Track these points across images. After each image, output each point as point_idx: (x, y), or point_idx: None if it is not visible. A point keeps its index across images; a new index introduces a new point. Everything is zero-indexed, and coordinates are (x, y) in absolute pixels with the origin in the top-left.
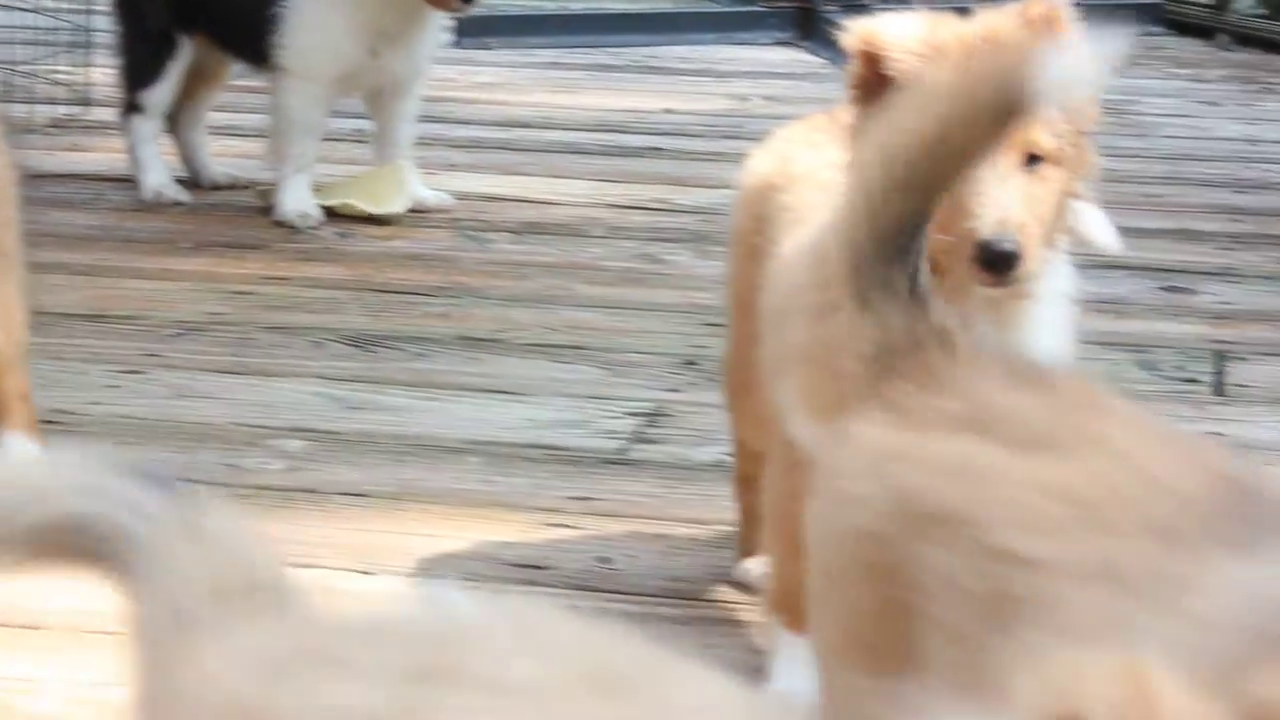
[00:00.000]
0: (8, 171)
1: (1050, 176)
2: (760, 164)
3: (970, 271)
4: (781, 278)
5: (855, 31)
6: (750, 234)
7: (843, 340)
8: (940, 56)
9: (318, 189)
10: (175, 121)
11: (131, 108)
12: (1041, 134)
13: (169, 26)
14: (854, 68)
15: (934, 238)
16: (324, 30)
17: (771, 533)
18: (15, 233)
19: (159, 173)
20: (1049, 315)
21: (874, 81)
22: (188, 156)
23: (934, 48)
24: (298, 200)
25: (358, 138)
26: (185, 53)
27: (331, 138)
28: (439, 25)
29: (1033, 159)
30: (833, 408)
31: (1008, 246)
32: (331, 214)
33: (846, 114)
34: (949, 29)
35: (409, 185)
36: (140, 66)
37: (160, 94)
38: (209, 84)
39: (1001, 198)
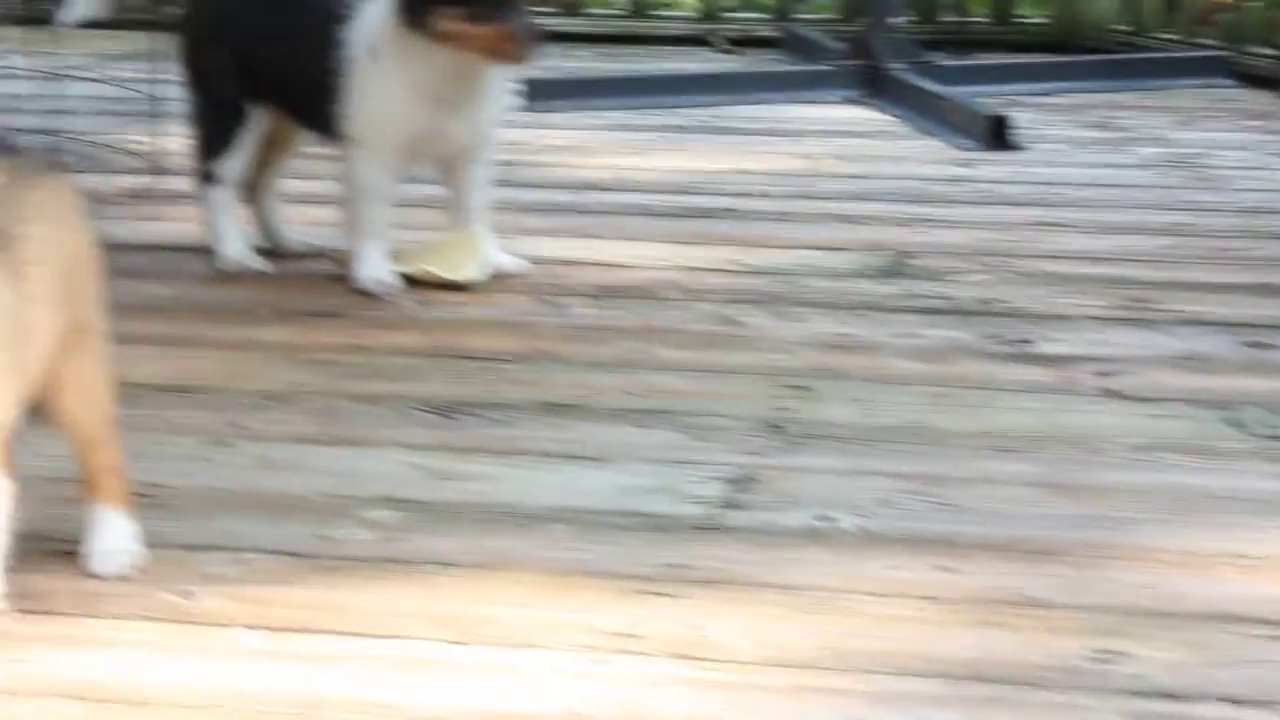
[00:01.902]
0: (89, 246)
1: None
2: None
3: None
4: None
5: None
6: None
7: None
8: None
9: (394, 256)
10: (251, 190)
11: (206, 177)
12: None
13: (238, 97)
14: None
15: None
16: (386, 99)
17: None
18: (98, 307)
19: (236, 242)
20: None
21: None
22: (264, 224)
23: None
24: (375, 268)
25: (432, 204)
26: (256, 122)
27: (408, 204)
28: (504, 89)
29: None
30: None
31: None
32: (409, 281)
33: None
34: None
35: (485, 251)
36: (213, 137)
37: (234, 164)
38: (282, 151)
39: None
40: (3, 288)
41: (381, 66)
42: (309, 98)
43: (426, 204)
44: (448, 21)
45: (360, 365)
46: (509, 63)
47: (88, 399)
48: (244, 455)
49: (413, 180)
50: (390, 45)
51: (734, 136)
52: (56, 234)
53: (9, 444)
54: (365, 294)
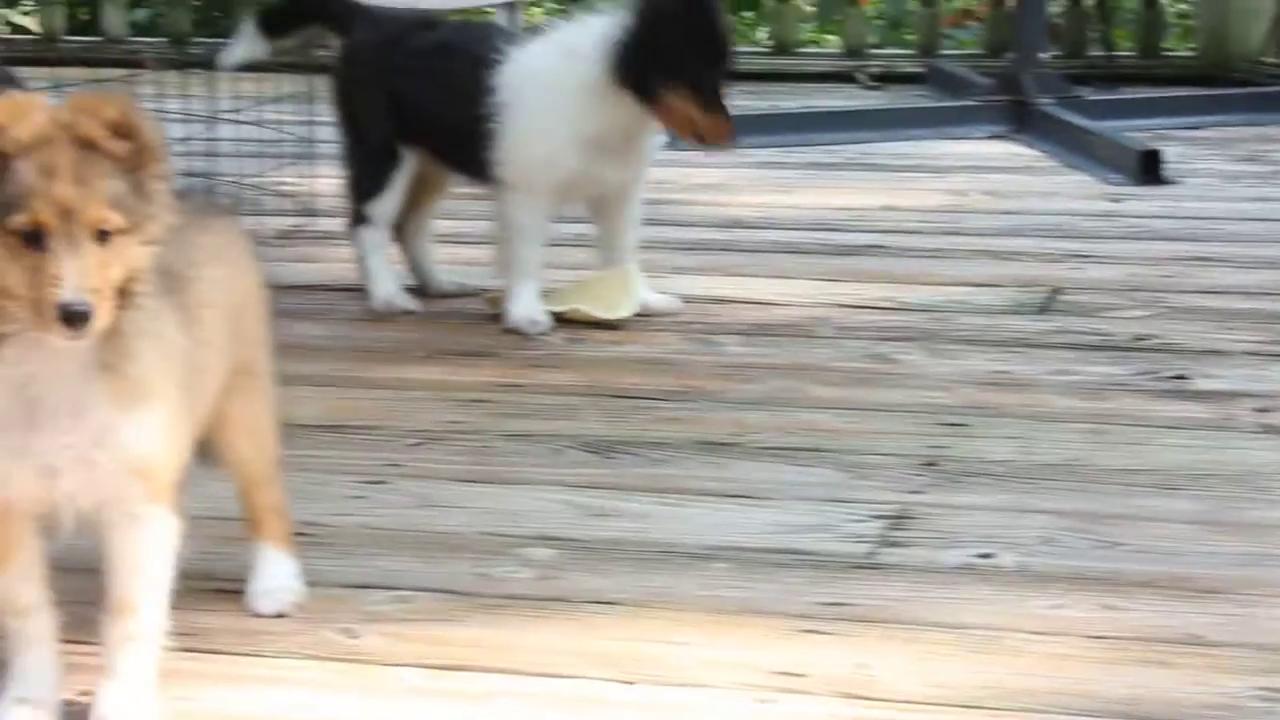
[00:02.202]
0: (257, 288)
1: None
2: None
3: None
4: None
5: None
6: None
7: None
8: None
9: (545, 295)
10: (402, 230)
11: (359, 219)
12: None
13: (391, 140)
14: None
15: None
16: (542, 145)
17: None
18: (265, 349)
19: (389, 283)
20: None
21: None
22: (415, 265)
23: None
24: (526, 307)
25: (583, 243)
26: (408, 165)
27: (557, 243)
28: (656, 131)
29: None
30: None
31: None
32: (560, 320)
33: None
34: None
35: (636, 290)
36: (365, 179)
37: (386, 205)
38: (433, 192)
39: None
40: (175, 330)
41: (541, 112)
42: (461, 143)
43: (576, 243)
44: (675, 99)
45: (514, 404)
46: (710, 147)
47: (254, 439)
48: (402, 494)
49: (563, 219)
50: (558, 92)
51: (880, 173)
52: (227, 276)
53: (178, 484)
54: (517, 333)
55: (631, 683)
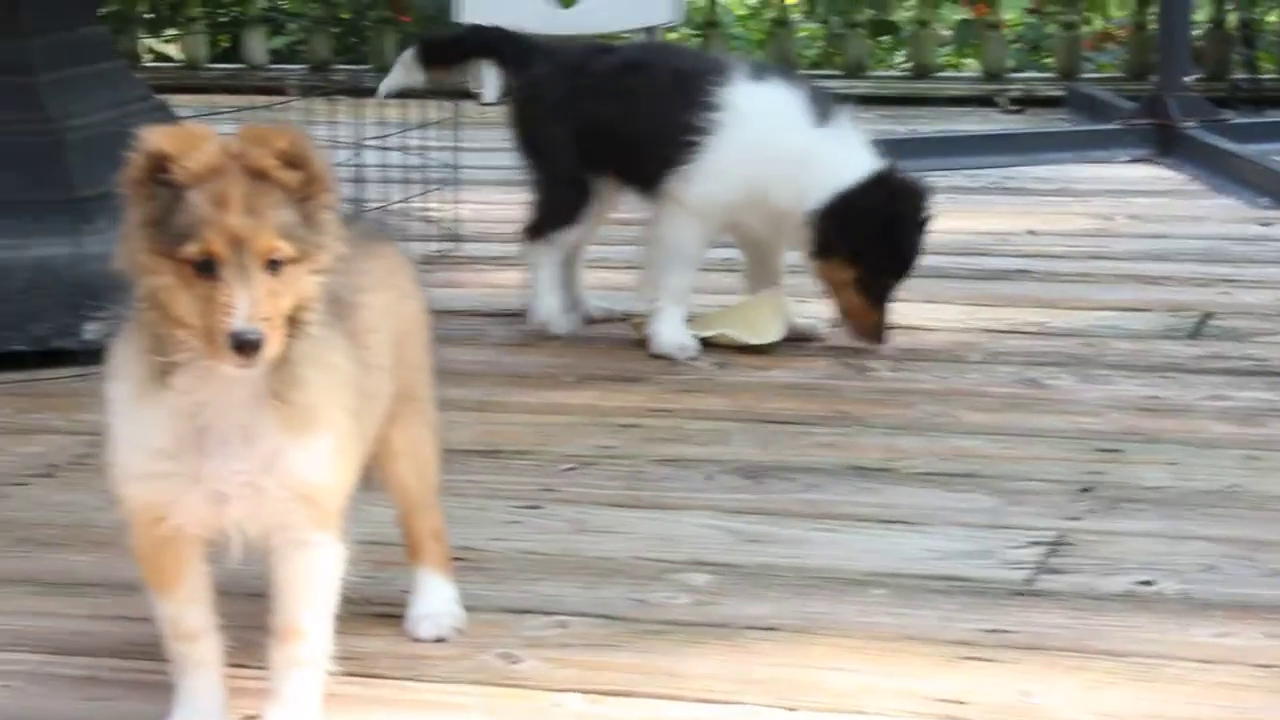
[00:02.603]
0: (421, 314)
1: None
2: None
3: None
4: None
5: None
6: None
7: None
8: None
9: (692, 320)
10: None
11: (539, 236)
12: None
13: (580, 171)
14: None
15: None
16: (734, 176)
17: None
18: (427, 375)
19: (551, 304)
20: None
21: None
22: (568, 290)
23: None
24: (674, 332)
25: (728, 267)
26: (600, 195)
27: (703, 268)
28: None
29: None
30: None
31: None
32: (708, 345)
33: None
34: None
35: (785, 314)
36: (558, 209)
37: (573, 236)
38: (597, 222)
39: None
40: (344, 357)
41: (751, 146)
42: (648, 163)
43: (722, 268)
44: (846, 276)
45: (665, 429)
46: (859, 340)
47: (417, 465)
48: (557, 519)
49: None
50: (775, 137)
51: (1022, 197)
52: (392, 302)
53: (344, 509)
54: (665, 358)
55: (794, 709)
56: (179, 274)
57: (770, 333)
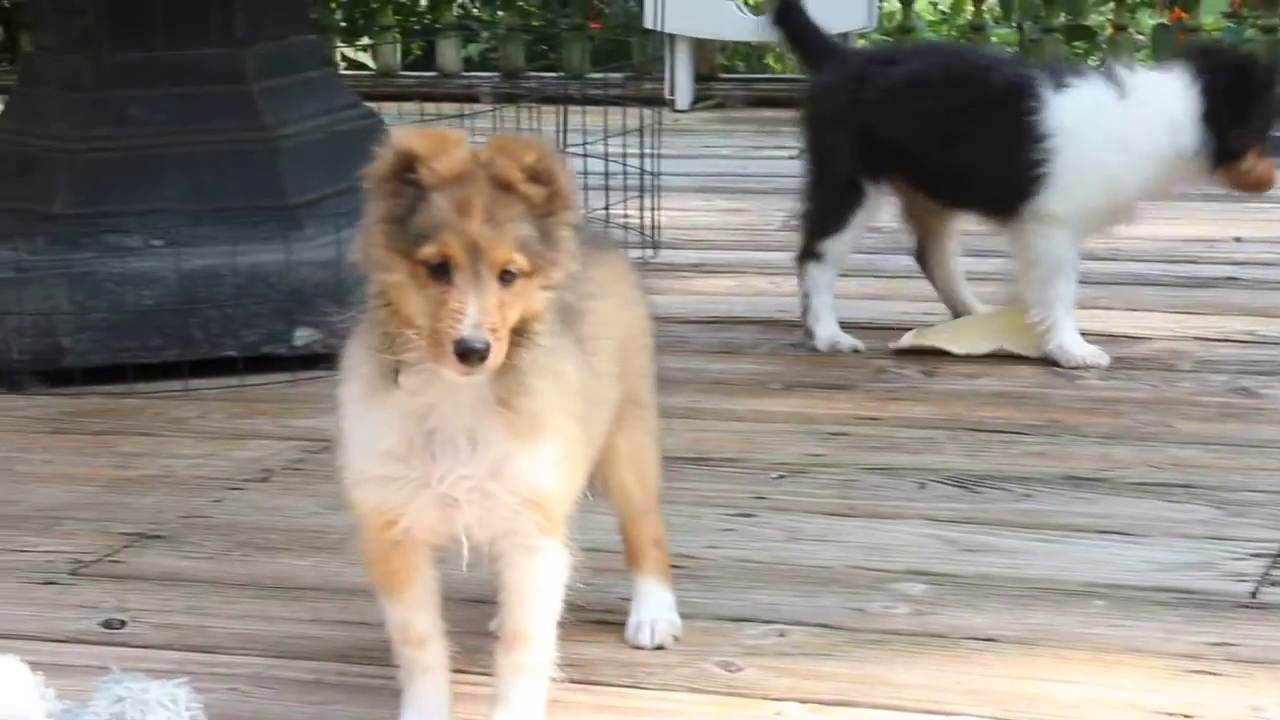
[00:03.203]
0: (643, 321)
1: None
2: None
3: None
4: None
5: None
6: None
7: None
8: None
9: (943, 331)
10: (924, 263)
11: (809, 254)
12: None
13: (857, 176)
14: None
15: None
16: (1093, 179)
17: None
18: (650, 382)
19: (831, 323)
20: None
21: None
22: (946, 293)
23: None
24: (1077, 343)
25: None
26: (873, 203)
27: (901, 275)
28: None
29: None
30: None
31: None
32: (909, 353)
33: None
34: None
35: (1001, 330)
36: (824, 215)
37: (842, 244)
38: (938, 219)
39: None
40: (573, 364)
41: (1107, 158)
42: (995, 190)
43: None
44: (1253, 160)
45: (874, 437)
46: (1256, 191)
47: (639, 471)
48: (770, 526)
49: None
50: (1130, 144)
51: (1227, 203)
52: (616, 308)
53: (570, 516)
54: (1079, 368)
55: None
56: (413, 274)
57: (1028, 342)
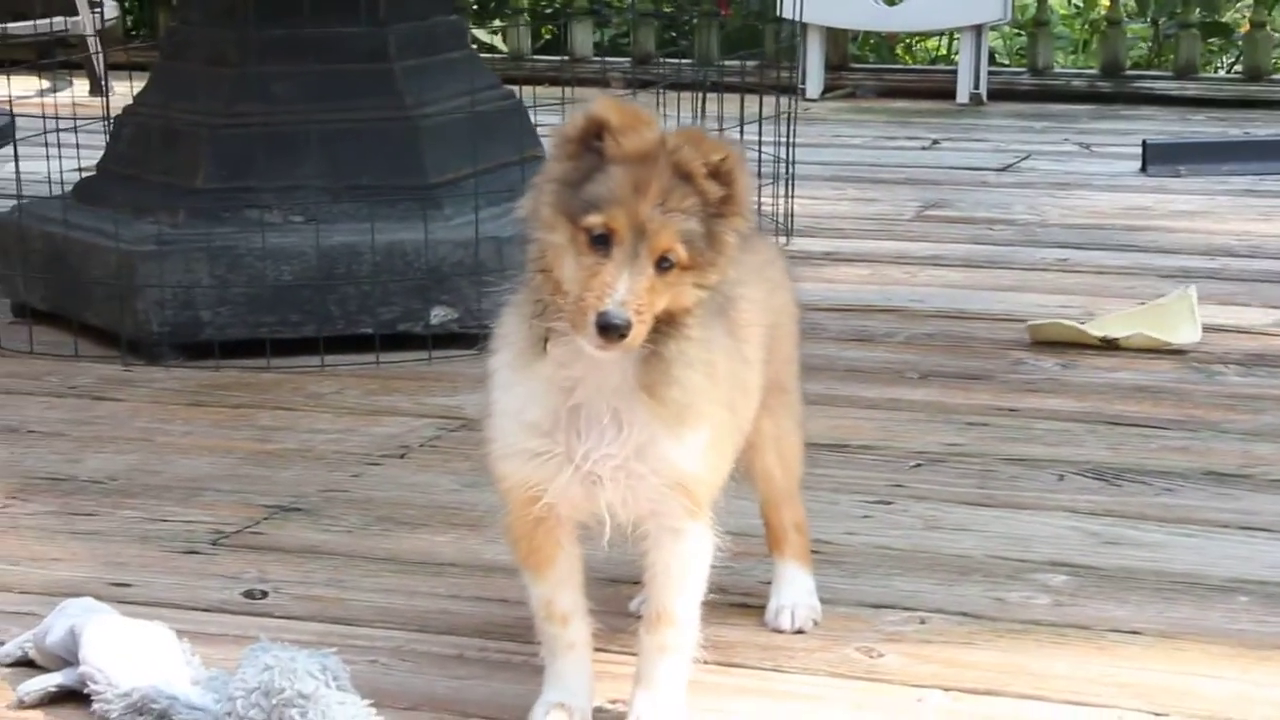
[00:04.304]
0: (791, 307)
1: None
2: None
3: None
4: None
5: None
6: None
7: None
8: None
9: (1100, 321)
10: None
11: None
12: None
13: None
14: None
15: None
16: None
17: None
18: (795, 368)
19: None
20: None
21: None
22: None
23: None
24: None
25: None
26: None
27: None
28: None
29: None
30: None
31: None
32: (1120, 347)
33: None
34: None
35: (1198, 314)
36: None
37: None
38: None
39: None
40: (724, 353)
41: None
42: None
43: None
44: None
45: (1012, 428)
46: None
47: (782, 456)
48: (909, 515)
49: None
50: None
51: None
52: (765, 295)
53: (716, 501)
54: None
55: (1164, 715)
56: (574, 238)
57: (1186, 333)
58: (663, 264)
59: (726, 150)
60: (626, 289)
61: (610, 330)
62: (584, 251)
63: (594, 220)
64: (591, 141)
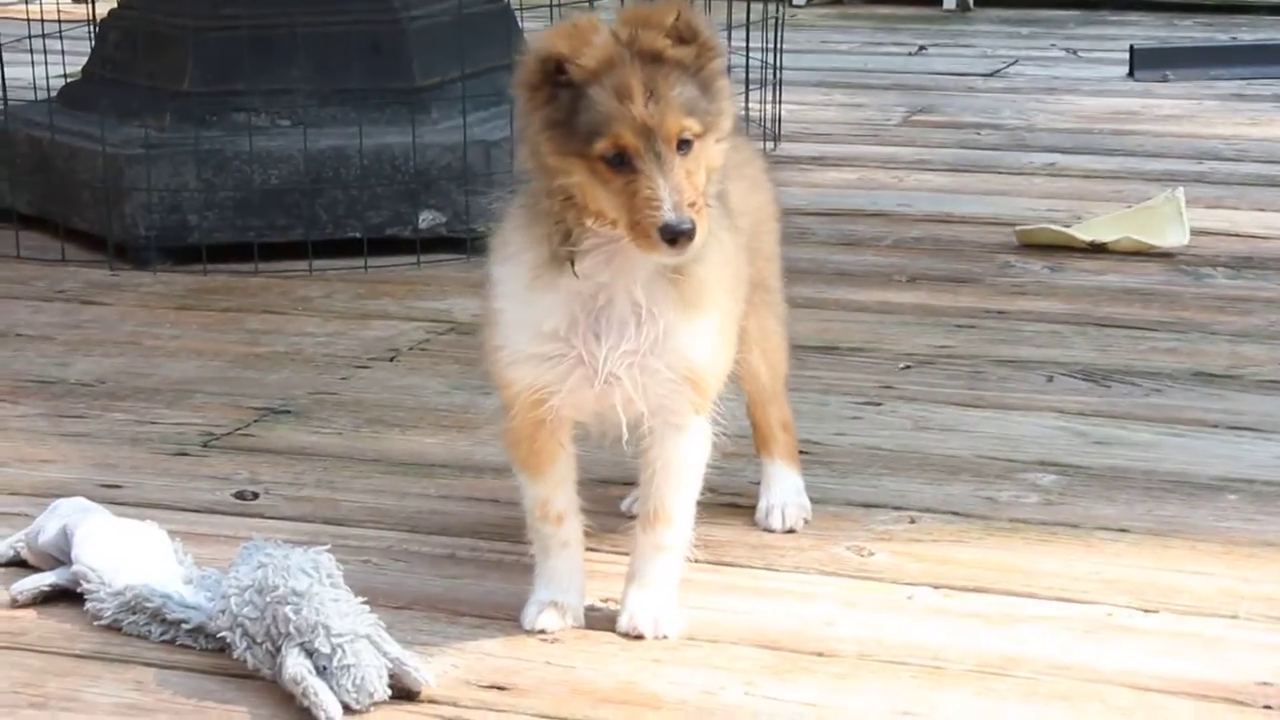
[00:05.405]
0: (771, 206)
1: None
2: None
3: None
4: None
5: None
6: None
7: None
8: None
9: (1087, 225)
10: None
11: None
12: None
13: None
14: None
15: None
16: None
17: None
18: (777, 266)
19: None
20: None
21: None
22: None
23: None
24: None
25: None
26: None
27: (1092, 175)
28: None
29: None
30: None
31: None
32: (1107, 250)
33: None
34: None
35: (1185, 217)
36: None
37: None
38: None
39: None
40: (727, 232)
41: None
42: None
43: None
44: None
45: (1001, 330)
46: None
47: (768, 355)
48: (897, 415)
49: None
50: None
51: None
52: (745, 192)
53: (719, 393)
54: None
55: (1154, 611)
56: (593, 171)
57: (1173, 235)
58: (682, 146)
59: (673, 8)
60: (670, 192)
61: (681, 237)
62: (609, 178)
63: (602, 145)
64: (556, 78)
